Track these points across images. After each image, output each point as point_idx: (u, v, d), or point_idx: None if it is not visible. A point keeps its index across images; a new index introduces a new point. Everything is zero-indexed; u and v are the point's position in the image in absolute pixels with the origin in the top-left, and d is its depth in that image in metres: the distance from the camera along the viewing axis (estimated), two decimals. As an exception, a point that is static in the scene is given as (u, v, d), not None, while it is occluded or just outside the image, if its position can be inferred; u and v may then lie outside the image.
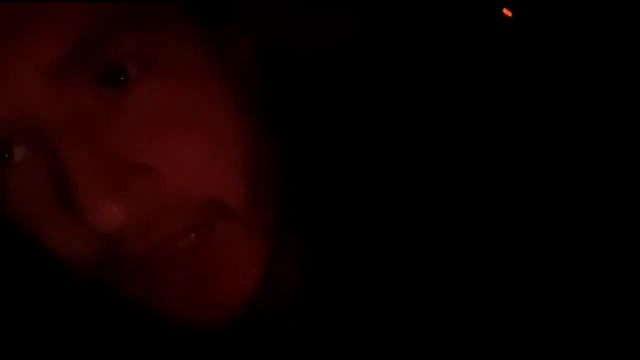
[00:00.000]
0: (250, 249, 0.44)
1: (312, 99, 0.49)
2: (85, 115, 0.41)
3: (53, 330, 0.50)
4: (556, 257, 0.48)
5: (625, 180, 0.50)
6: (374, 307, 0.48)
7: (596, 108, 0.53)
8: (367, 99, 0.51)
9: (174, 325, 0.45)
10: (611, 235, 0.48)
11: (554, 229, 0.49)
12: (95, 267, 0.44)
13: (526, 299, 0.48)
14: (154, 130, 0.42)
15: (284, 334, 0.48)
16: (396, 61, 0.53)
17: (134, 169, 0.42)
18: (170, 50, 0.43)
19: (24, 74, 0.40)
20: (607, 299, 0.47)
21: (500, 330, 0.47)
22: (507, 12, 0.56)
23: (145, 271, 0.43)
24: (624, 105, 0.53)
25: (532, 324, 0.47)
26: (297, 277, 0.48)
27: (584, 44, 0.57)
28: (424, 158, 0.50)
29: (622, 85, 0.54)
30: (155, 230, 0.42)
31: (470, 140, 0.50)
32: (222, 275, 0.43)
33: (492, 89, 0.53)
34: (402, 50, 0.54)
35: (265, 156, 0.46)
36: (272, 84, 0.47)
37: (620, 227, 0.48)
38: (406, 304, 0.48)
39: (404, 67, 0.53)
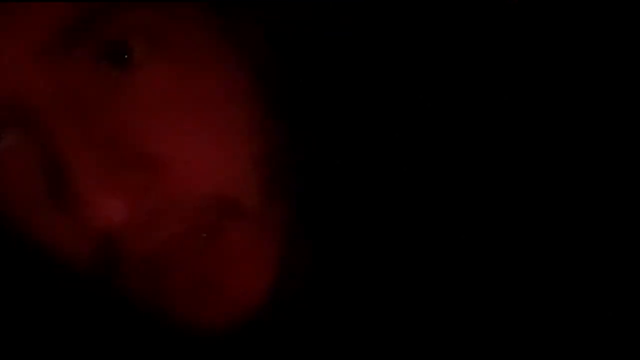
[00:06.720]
0: (262, 249, 0.42)
1: (327, 88, 0.47)
2: (83, 95, 0.38)
3: (53, 330, 0.46)
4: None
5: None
6: (388, 303, 0.46)
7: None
8: (383, 89, 0.48)
9: (180, 328, 0.42)
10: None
11: None
12: (92, 265, 0.40)
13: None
14: (160, 118, 0.39)
15: (296, 332, 0.45)
16: (405, 48, 0.51)
17: (138, 160, 0.39)
18: (178, 32, 0.40)
19: (14, 51, 0.37)
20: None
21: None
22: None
23: (148, 272, 0.40)
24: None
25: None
26: (310, 274, 0.46)
27: (590, 30, 0.56)
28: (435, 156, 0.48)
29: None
30: (159, 229, 0.39)
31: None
32: (233, 278, 0.41)
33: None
34: (412, 36, 0.52)
35: (279, 149, 0.43)
36: (287, 72, 0.44)
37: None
38: (418, 301, 0.46)
39: (414, 54, 0.51)
